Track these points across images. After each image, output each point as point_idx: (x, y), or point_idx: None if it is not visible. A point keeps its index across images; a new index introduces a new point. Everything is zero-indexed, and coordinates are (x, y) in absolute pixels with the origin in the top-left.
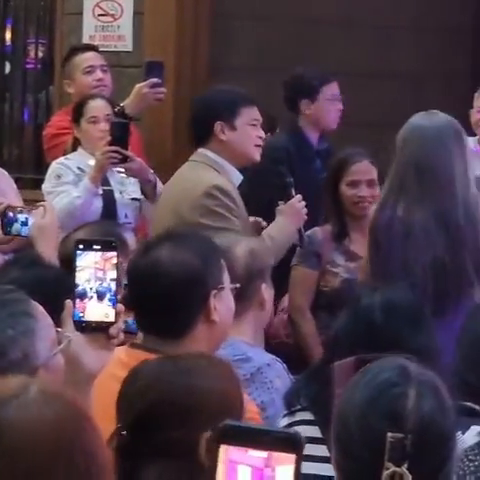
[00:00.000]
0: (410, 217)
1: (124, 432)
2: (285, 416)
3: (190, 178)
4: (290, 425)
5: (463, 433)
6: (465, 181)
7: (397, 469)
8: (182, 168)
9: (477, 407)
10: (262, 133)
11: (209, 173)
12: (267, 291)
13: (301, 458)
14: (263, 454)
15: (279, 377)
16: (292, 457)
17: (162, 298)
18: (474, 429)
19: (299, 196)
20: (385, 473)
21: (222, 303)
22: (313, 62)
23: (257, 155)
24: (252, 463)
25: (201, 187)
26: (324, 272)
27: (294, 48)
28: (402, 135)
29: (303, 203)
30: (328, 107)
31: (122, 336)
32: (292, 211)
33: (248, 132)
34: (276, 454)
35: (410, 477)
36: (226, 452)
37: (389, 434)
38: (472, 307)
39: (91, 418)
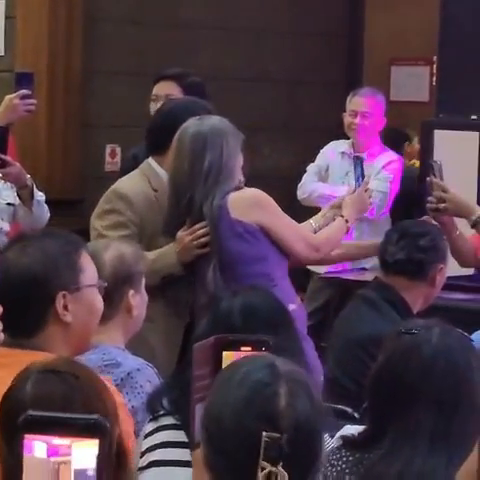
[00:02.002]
0: None
1: None
2: (150, 421)
3: None
4: (156, 430)
5: (332, 437)
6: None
7: (273, 469)
8: None
9: (349, 410)
10: None
11: (131, 180)
12: (135, 297)
13: (105, 442)
14: (66, 441)
15: (150, 382)
16: (96, 442)
17: (7, 300)
18: (339, 433)
19: None
20: (261, 473)
21: (79, 303)
22: (188, 66)
23: None
24: (48, 440)
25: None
26: None
27: (169, 52)
28: (175, 142)
29: None
30: None
31: (2, 336)
32: None
33: None
34: (79, 440)
35: (286, 476)
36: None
37: (264, 434)
38: (342, 312)
39: None
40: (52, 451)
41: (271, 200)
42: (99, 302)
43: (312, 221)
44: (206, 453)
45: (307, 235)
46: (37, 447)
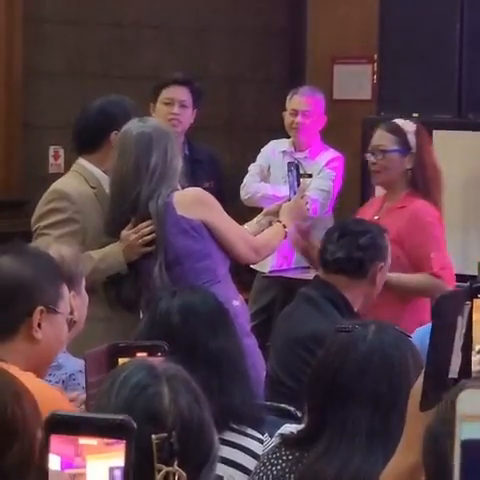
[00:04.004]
0: None
1: None
2: None
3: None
4: None
5: (272, 435)
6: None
7: (169, 469)
8: None
9: (292, 409)
10: None
11: (68, 180)
12: (76, 299)
13: (131, 443)
14: (93, 441)
15: None
16: (122, 443)
17: None
18: (279, 431)
19: None
20: (158, 475)
21: (51, 326)
22: (129, 66)
23: None
24: (62, 452)
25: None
26: None
27: (110, 52)
28: (118, 143)
29: None
30: None
31: None
32: None
33: None
34: (104, 441)
35: (184, 474)
36: (53, 442)
37: (153, 436)
38: (284, 311)
39: None
40: (66, 464)
41: (214, 199)
42: (65, 334)
43: (246, 226)
44: None
45: (248, 237)
46: (51, 460)
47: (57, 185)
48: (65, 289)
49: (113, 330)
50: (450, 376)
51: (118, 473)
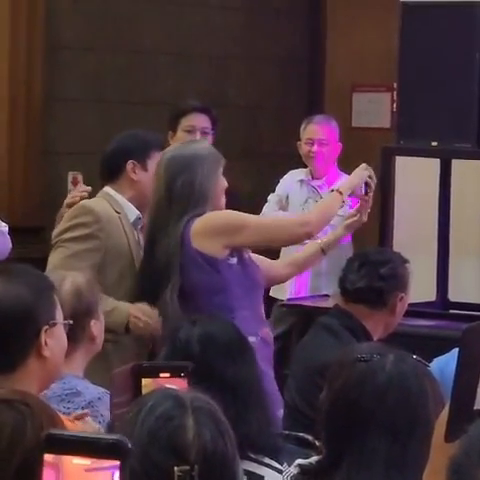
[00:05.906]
0: None
1: None
2: None
3: None
4: None
5: (289, 465)
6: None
7: None
8: None
9: (310, 438)
10: None
11: (94, 201)
12: (96, 325)
13: (126, 463)
14: (87, 462)
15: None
16: (117, 463)
17: None
18: (297, 461)
19: None
20: None
21: (54, 339)
22: (148, 93)
23: None
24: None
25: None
26: None
27: (129, 79)
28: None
29: None
30: None
31: None
32: None
33: None
34: (100, 461)
35: None
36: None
37: (176, 468)
38: (303, 340)
39: None
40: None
41: (228, 216)
42: (65, 339)
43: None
44: None
45: (282, 219)
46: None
47: (83, 203)
48: (56, 296)
49: (120, 351)
50: (475, 407)
51: None
